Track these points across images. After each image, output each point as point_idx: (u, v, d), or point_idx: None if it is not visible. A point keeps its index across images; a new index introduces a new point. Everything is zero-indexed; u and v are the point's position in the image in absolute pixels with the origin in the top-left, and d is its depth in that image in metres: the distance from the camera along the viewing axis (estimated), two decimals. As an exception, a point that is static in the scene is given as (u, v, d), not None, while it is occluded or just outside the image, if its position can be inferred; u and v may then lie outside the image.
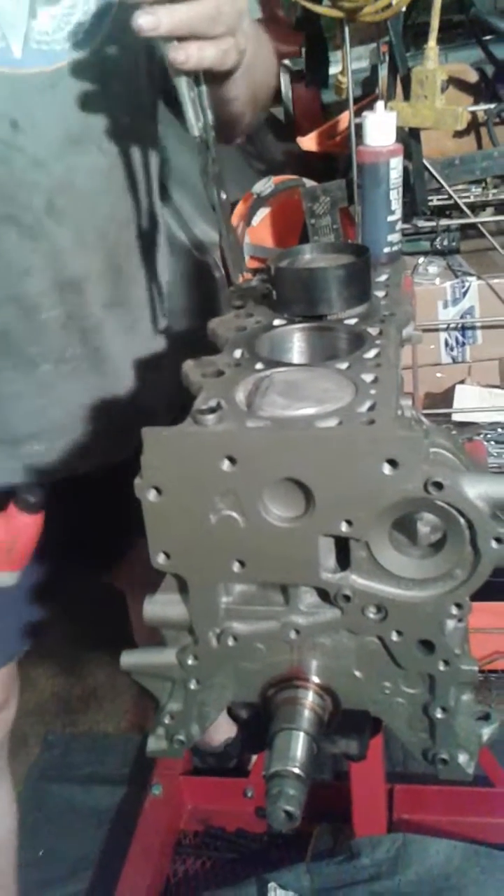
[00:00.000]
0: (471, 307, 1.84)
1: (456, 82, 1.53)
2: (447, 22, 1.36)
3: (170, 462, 0.60)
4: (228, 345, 0.75)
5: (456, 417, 1.89)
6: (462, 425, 1.91)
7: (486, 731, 0.72)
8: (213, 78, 0.79)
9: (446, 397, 1.95)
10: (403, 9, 1.28)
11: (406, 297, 0.90)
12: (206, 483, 0.61)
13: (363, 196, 0.93)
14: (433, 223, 1.66)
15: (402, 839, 1.44)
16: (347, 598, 0.63)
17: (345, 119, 1.93)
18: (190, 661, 0.69)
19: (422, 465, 0.58)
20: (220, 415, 0.60)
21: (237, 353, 0.74)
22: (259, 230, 1.86)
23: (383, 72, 1.53)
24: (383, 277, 0.91)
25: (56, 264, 0.95)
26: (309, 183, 1.70)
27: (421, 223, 1.62)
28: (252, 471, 0.60)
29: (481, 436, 1.94)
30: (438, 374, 1.97)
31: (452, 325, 1.82)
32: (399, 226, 0.94)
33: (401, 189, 0.93)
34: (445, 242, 1.92)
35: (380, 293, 0.86)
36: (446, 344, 1.89)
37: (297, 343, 0.79)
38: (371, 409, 0.61)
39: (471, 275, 1.82)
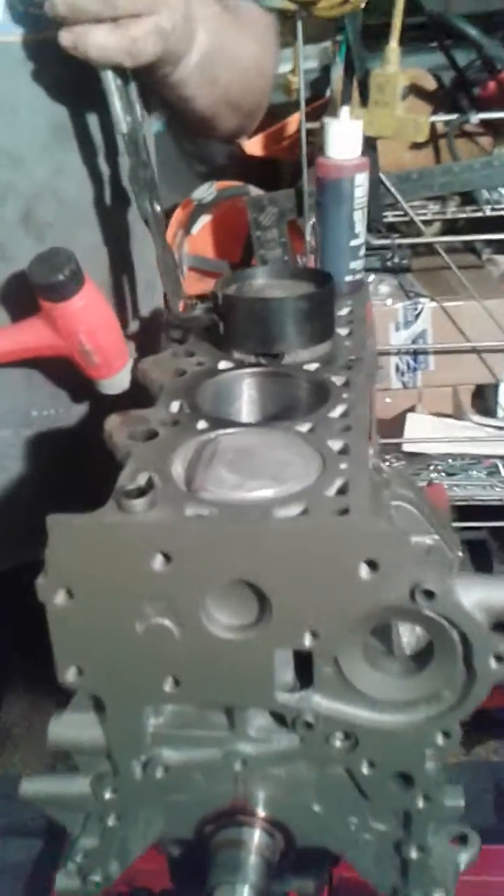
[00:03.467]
0: (423, 331, 1.76)
1: (414, 89, 1.44)
2: (403, 24, 1.26)
3: (84, 559, 0.48)
4: (164, 394, 0.63)
5: (406, 448, 1.80)
6: (412, 455, 1.83)
7: (464, 858, 0.62)
8: (147, 71, 0.67)
9: (395, 424, 1.87)
10: (362, 5, 1.18)
11: (371, 334, 0.79)
12: (132, 585, 0.49)
13: (322, 216, 0.82)
14: (388, 241, 1.57)
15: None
16: (309, 724, 0.52)
17: (294, 122, 1.83)
18: (108, 795, 0.57)
19: (408, 568, 0.47)
20: (151, 498, 0.48)
21: (174, 407, 0.61)
22: (199, 240, 1.74)
23: (337, 73, 1.43)
24: (345, 311, 0.80)
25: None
26: (255, 191, 1.59)
27: (375, 241, 1.53)
28: (192, 571, 0.48)
29: (431, 468, 1.86)
30: (388, 400, 1.88)
31: (404, 350, 1.73)
32: (363, 251, 0.84)
33: (366, 210, 0.82)
34: (396, 260, 1.83)
35: (343, 330, 0.75)
36: (397, 368, 1.81)
37: (247, 392, 0.68)
38: (342, 491, 0.50)
39: (424, 296, 1.73)
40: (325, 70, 1.80)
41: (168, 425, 0.58)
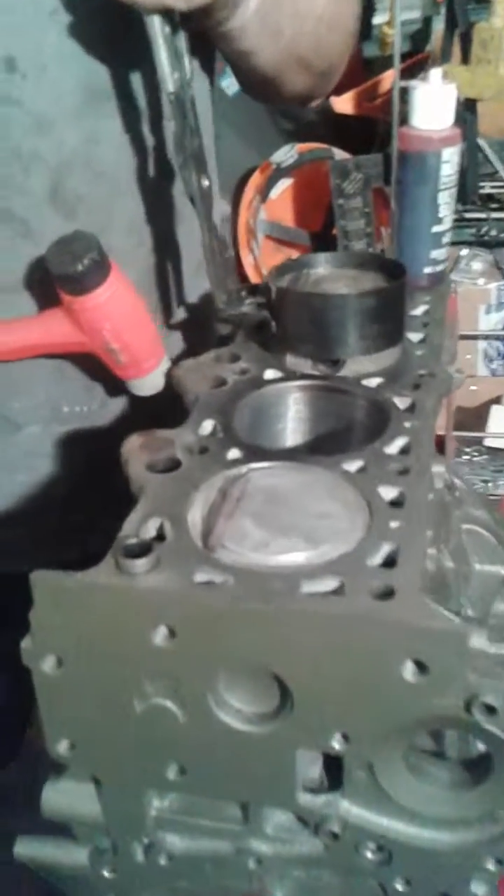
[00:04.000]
0: (519, 314, 1.62)
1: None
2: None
3: (75, 624, 0.41)
4: (197, 410, 0.55)
5: (489, 442, 1.68)
6: (496, 451, 1.71)
7: None
8: (200, 17, 0.57)
9: (479, 414, 1.74)
10: None
11: (451, 337, 0.69)
12: (131, 659, 0.41)
13: (402, 195, 0.71)
14: (484, 214, 1.43)
15: None
16: (335, 835, 0.43)
17: (388, 79, 1.69)
18: (107, 874, 0.50)
19: (465, 674, 0.38)
20: (156, 557, 0.40)
21: (206, 427, 0.53)
22: (277, 205, 1.64)
23: (439, 26, 1.30)
24: (421, 310, 0.69)
25: None
26: (340, 154, 1.48)
27: (468, 214, 1.39)
28: (200, 650, 0.40)
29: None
30: (473, 388, 1.75)
31: (494, 334, 1.60)
32: (447, 238, 0.73)
33: (454, 191, 0.71)
34: (494, 233, 1.69)
35: (415, 335, 0.65)
36: (485, 355, 1.67)
37: (293, 409, 0.59)
38: (389, 562, 0.41)
39: (521, 275, 1.59)
40: (427, 22, 1.65)
41: (194, 453, 0.50)
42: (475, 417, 1.74)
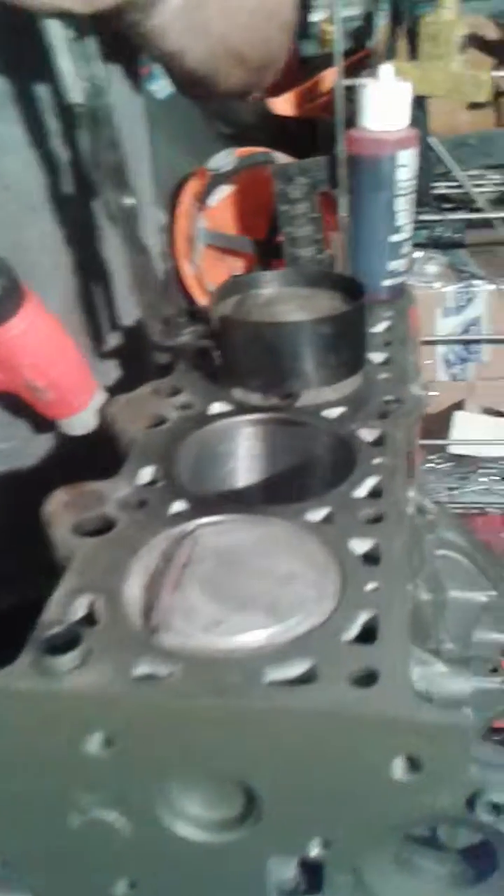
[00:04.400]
0: (476, 317, 1.58)
1: (473, 39, 1.26)
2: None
3: (-8, 732, 0.34)
4: (134, 455, 0.49)
5: (453, 449, 1.64)
6: (460, 458, 1.67)
7: None
8: (110, 19, 0.51)
9: (441, 420, 1.70)
10: None
11: (414, 352, 0.64)
12: (60, 770, 0.35)
13: (356, 203, 0.66)
14: (438, 216, 1.40)
15: None
16: None
17: (330, 77, 1.65)
18: None
19: (466, 770, 0.32)
20: (85, 649, 0.34)
21: (145, 475, 0.47)
22: (218, 213, 1.58)
23: (382, 21, 1.26)
24: (382, 327, 0.64)
25: None
26: (281, 158, 1.43)
27: (422, 216, 1.35)
28: (144, 757, 0.34)
29: (480, 471, 1.70)
30: (434, 393, 1.71)
31: (454, 339, 1.57)
32: (407, 248, 0.68)
33: (413, 196, 0.66)
34: (448, 234, 1.65)
35: (377, 355, 0.59)
36: (445, 359, 1.64)
37: (244, 447, 0.53)
38: (367, 635, 0.35)
39: (479, 277, 1.56)
40: (369, 18, 1.61)
41: (131, 508, 0.44)
42: (437, 423, 1.70)
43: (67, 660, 0.33)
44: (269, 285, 0.59)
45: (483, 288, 1.54)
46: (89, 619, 0.37)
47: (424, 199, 1.33)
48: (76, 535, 0.41)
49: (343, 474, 0.47)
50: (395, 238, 0.66)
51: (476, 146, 1.24)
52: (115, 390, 0.60)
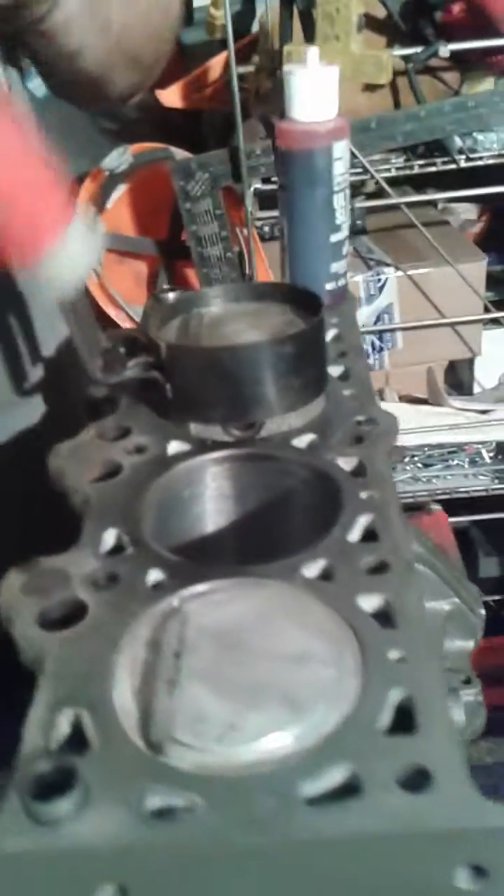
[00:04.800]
0: (389, 305, 1.56)
1: (367, 20, 1.23)
2: None
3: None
4: (92, 517, 0.42)
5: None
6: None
7: None
8: (8, 16, 0.45)
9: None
10: None
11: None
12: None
13: (290, 203, 0.61)
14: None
15: None
16: None
17: (217, 65, 1.59)
18: None
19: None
20: (83, 790, 0.28)
21: (108, 540, 0.41)
22: (115, 215, 1.50)
23: (271, 3, 1.21)
24: (330, 335, 0.60)
25: None
26: (180, 154, 1.36)
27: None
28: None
29: (406, 460, 1.69)
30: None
31: (367, 330, 1.54)
32: (346, 248, 0.63)
33: (348, 192, 0.62)
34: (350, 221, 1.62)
35: (334, 369, 0.55)
36: (360, 350, 1.61)
37: (213, 488, 0.47)
38: (405, 722, 0.30)
39: (386, 264, 1.53)
40: (251, 2, 1.56)
41: (100, 586, 0.38)
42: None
43: (65, 805, 0.27)
44: (212, 303, 0.54)
45: (393, 275, 1.52)
46: (76, 738, 0.31)
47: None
48: (43, 630, 0.35)
49: (326, 512, 0.42)
50: (335, 237, 0.62)
51: (376, 130, 1.20)
52: (44, 433, 0.54)
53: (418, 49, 1.19)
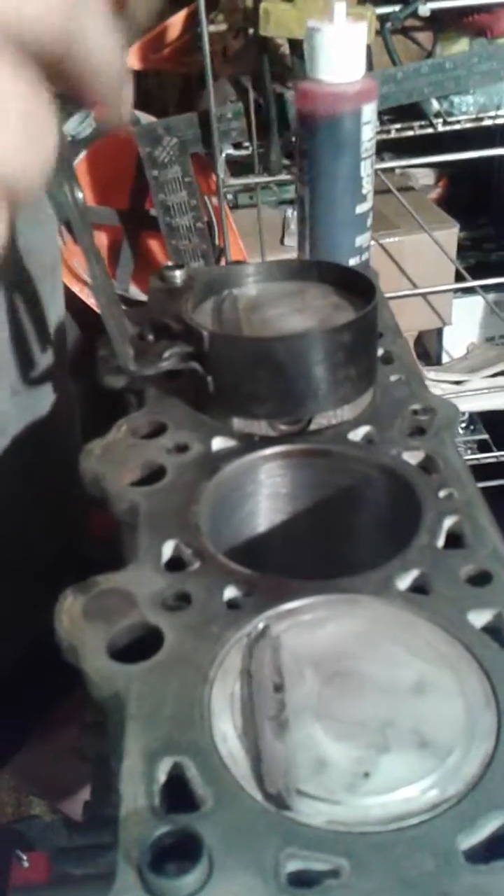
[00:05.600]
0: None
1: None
2: None
3: None
4: (144, 528, 0.38)
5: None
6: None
7: None
8: None
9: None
10: None
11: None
12: None
13: (312, 171, 0.57)
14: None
15: None
16: None
17: (176, 24, 1.53)
18: None
19: None
20: (207, 863, 0.24)
21: (166, 551, 0.37)
22: (75, 184, 1.43)
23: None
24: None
25: None
26: (146, 118, 1.30)
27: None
28: None
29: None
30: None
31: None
32: (371, 219, 0.60)
33: (374, 158, 0.58)
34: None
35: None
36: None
37: (268, 485, 0.44)
38: None
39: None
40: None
41: (171, 607, 0.34)
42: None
43: (192, 881, 0.24)
44: (246, 282, 0.49)
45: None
46: (182, 788, 0.27)
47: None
48: (115, 663, 0.31)
49: (400, 514, 0.39)
50: (362, 208, 0.58)
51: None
52: (59, 436, 0.49)
53: (396, 7, 1.15)
